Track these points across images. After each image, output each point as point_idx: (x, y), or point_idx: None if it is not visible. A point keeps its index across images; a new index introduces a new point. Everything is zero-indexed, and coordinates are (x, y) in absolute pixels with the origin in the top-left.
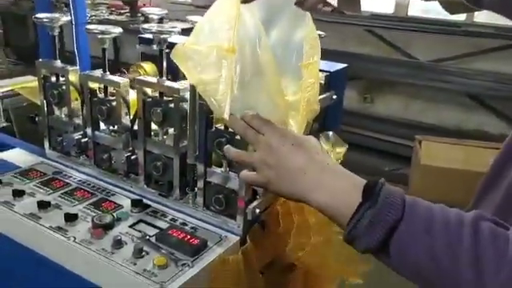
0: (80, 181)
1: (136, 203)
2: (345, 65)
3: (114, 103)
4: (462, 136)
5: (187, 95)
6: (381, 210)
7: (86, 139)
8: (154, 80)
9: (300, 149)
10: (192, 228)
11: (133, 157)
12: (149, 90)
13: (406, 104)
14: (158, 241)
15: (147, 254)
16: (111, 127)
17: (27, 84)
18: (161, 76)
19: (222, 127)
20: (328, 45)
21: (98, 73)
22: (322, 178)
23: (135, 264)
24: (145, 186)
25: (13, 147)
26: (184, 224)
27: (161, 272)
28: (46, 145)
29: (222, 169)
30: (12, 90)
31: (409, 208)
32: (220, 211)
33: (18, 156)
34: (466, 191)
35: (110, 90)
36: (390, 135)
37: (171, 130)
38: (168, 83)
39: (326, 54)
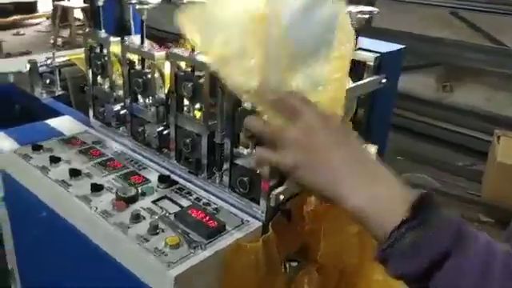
0: (116, 152)
1: (163, 179)
2: (401, 46)
3: (149, 76)
4: None
5: None
6: (431, 233)
7: (125, 111)
8: (185, 53)
9: (344, 139)
10: (214, 209)
11: (165, 132)
12: (183, 64)
13: (488, 95)
14: (177, 219)
15: (162, 231)
16: (147, 100)
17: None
18: (192, 49)
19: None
20: (406, 27)
21: (136, 44)
22: (365, 177)
23: (148, 241)
24: (175, 162)
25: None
26: (207, 204)
27: (172, 252)
28: (91, 114)
29: (249, 150)
30: (69, 59)
31: (466, 240)
32: (244, 194)
33: (65, 124)
34: None
35: (149, 62)
36: (469, 128)
37: None
38: (199, 57)
39: (402, 37)
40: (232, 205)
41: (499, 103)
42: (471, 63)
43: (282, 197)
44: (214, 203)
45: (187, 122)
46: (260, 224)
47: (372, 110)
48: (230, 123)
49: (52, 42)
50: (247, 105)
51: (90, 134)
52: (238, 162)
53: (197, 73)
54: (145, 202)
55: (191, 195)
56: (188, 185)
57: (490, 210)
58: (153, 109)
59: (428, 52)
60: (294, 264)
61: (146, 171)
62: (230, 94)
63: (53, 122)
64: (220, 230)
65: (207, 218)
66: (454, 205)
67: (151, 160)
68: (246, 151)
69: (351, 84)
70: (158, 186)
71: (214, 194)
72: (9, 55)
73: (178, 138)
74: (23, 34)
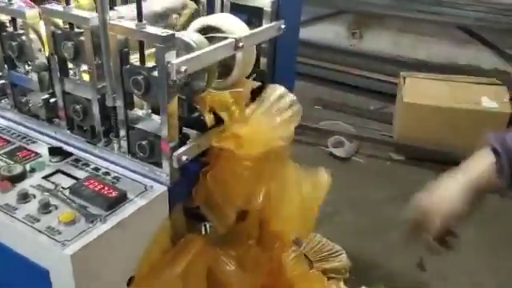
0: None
1: (54, 152)
2: None
3: (24, 38)
4: (454, 72)
5: None
6: None
7: (3, 81)
8: (59, 8)
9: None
10: (114, 178)
11: (52, 100)
12: (61, 22)
13: (395, 39)
14: (72, 193)
15: (56, 208)
16: (27, 66)
17: None
18: (67, 3)
19: (138, 62)
20: None
21: (3, 1)
22: None
23: (39, 220)
24: (69, 132)
25: None
26: (106, 173)
27: (67, 229)
28: None
29: (144, 111)
30: None
31: None
32: (145, 159)
33: None
34: (452, 129)
35: (21, 22)
36: (379, 73)
37: None
38: (75, 12)
39: None
40: (134, 171)
41: (405, 46)
42: (378, 9)
43: (184, 157)
44: (115, 172)
45: (74, 86)
46: (165, 189)
47: (274, 60)
48: (120, 83)
49: None
50: (135, 61)
51: None
52: (135, 125)
53: (77, 30)
54: (34, 180)
55: (88, 166)
56: (85, 155)
57: (400, 148)
58: (34, 75)
59: (337, 1)
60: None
61: (36, 145)
62: (115, 50)
63: None
64: (120, 199)
65: (106, 188)
66: (368, 146)
67: (41, 132)
68: (141, 112)
69: (247, 32)
70: (50, 160)
71: (114, 163)
72: None
73: (67, 105)
74: None
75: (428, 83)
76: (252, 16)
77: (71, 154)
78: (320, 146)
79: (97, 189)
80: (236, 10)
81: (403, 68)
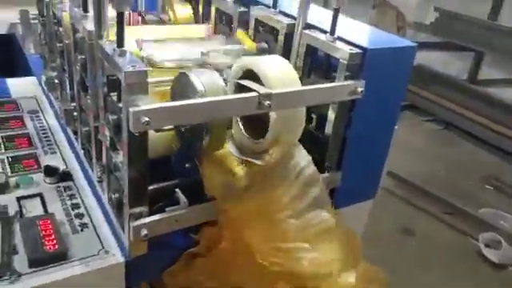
0: (40, 127)
1: (49, 172)
2: (411, 44)
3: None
4: None
5: None
6: None
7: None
8: (76, 13)
9: None
10: (81, 225)
11: (75, 113)
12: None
13: None
14: (21, 229)
15: None
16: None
17: None
18: (85, 10)
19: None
20: None
21: None
22: None
23: None
24: (82, 152)
25: None
26: (79, 216)
27: None
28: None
29: (121, 158)
30: None
31: None
32: (115, 214)
33: (23, 85)
34: None
35: None
36: None
37: None
38: (87, 23)
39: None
40: (110, 223)
41: None
42: None
43: (144, 232)
44: (90, 216)
45: (86, 105)
46: (121, 260)
47: (348, 128)
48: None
49: None
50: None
51: (34, 101)
52: (115, 171)
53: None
54: (5, 198)
55: (72, 199)
56: (83, 184)
57: None
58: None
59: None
60: None
61: (52, 157)
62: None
63: (12, 81)
64: (55, 258)
65: (52, 237)
66: None
67: (71, 143)
68: (120, 158)
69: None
70: (44, 180)
71: (101, 203)
72: None
73: (83, 123)
74: None
75: None
76: (325, 65)
77: (71, 179)
78: (471, 237)
79: (43, 234)
80: (315, 56)
81: None
